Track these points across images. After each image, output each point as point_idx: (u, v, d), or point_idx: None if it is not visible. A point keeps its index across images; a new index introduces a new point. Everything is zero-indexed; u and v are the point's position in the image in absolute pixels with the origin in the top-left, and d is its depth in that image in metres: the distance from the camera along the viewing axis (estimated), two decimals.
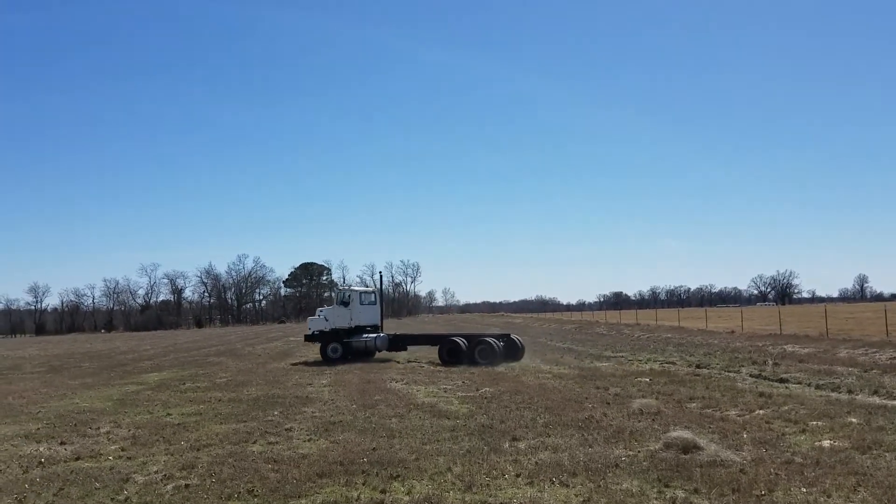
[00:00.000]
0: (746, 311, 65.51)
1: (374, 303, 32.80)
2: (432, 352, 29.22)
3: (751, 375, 20.26)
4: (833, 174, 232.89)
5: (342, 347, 30.09)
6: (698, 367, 23.01)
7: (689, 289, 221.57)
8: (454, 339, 27.83)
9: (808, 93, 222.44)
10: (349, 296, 31.30)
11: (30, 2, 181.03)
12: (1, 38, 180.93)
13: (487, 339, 27.38)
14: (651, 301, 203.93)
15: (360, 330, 30.85)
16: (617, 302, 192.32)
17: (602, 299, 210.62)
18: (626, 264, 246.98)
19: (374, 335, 30.84)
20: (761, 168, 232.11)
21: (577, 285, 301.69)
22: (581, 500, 8.14)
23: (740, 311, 63.33)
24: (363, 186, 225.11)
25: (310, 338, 31.38)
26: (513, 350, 27.47)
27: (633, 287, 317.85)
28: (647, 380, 19.48)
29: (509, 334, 29.29)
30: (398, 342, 31.18)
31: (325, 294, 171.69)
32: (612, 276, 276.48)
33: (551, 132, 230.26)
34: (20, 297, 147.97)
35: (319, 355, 30.56)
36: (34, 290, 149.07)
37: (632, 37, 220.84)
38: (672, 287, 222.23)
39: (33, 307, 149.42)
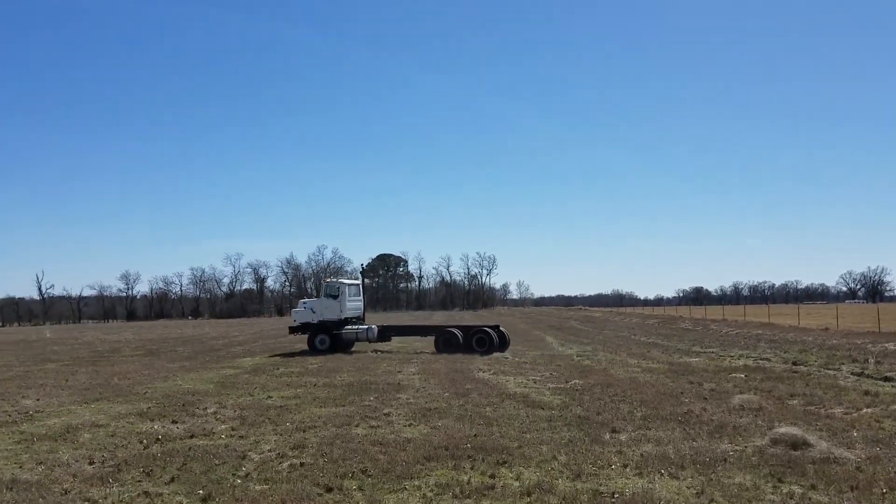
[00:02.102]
0: (838, 308, 63.01)
1: (359, 295, 33.59)
2: (419, 342, 32.53)
3: (852, 373, 19.56)
4: None
5: (330, 339, 30.71)
6: (794, 364, 22.34)
7: (774, 285, 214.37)
8: (450, 329, 29.95)
9: None
10: (339, 288, 31.74)
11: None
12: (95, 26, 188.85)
13: (485, 328, 29.67)
14: (733, 297, 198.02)
15: (347, 322, 31.55)
16: (697, 297, 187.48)
17: (681, 294, 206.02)
18: (707, 259, 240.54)
19: (365, 326, 31.65)
20: (848, 161, 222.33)
21: (655, 280, 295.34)
22: (694, 492, 8.09)
23: (835, 308, 61.02)
24: (440, 179, 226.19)
25: (295, 329, 31.88)
26: (502, 340, 29.57)
27: (714, 282, 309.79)
28: (742, 376, 19.06)
29: (498, 326, 30.88)
30: (385, 333, 32.03)
31: (402, 284, 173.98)
32: (691, 271, 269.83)
33: (631, 125, 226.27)
34: (112, 284, 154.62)
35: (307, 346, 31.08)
36: (126, 278, 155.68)
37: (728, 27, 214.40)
38: (755, 283, 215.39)
39: (125, 294, 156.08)
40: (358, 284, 34.69)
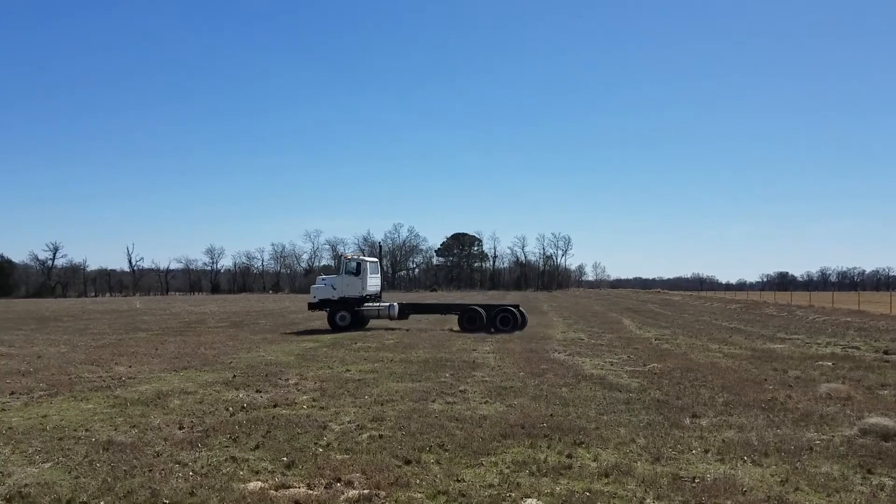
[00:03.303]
0: None
1: (377, 272, 33.65)
2: (438, 320, 33.60)
3: None
4: None
5: (350, 315, 30.87)
6: (886, 353, 21.38)
7: (864, 271, 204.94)
8: (474, 307, 30.67)
9: None
10: (360, 265, 31.68)
11: None
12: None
13: (509, 307, 30.54)
14: (820, 283, 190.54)
15: (367, 299, 31.65)
16: (782, 282, 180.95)
17: (765, 279, 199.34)
18: (793, 242, 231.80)
19: (387, 304, 31.98)
20: None
21: (737, 263, 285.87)
22: (778, 480, 7.89)
23: None
24: (516, 159, 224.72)
25: (314, 306, 31.89)
26: (523, 320, 30.45)
27: (800, 267, 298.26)
28: (830, 364, 18.37)
29: (518, 305, 31.63)
30: (405, 311, 32.20)
31: (476, 264, 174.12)
32: (776, 255, 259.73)
33: (714, 107, 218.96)
34: (198, 258, 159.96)
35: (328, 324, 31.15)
36: (210, 252, 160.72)
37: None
38: (844, 269, 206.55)
39: (209, 268, 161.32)
40: (377, 262, 34.91)
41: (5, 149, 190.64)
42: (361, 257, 34.14)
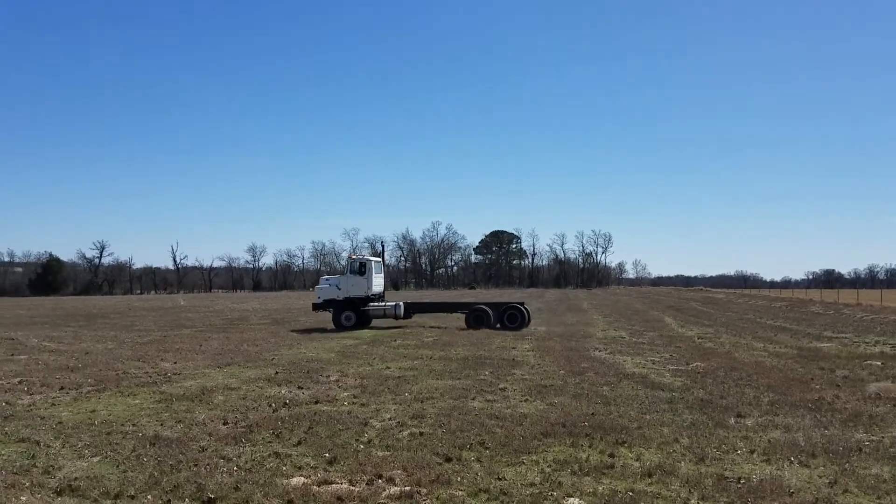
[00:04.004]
0: None
1: (381, 272, 33.66)
2: (443, 318, 33.66)
3: None
4: None
5: (356, 315, 30.85)
6: None
7: None
8: (481, 305, 31.22)
9: None
10: (365, 265, 31.58)
11: None
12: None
13: (516, 305, 31.30)
14: (868, 280, 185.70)
15: (372, 298, 31.59)
16: (828, 280, 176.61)
17: (811, 277, 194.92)
18: (839, 239, 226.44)
19: (393, 303, 32.02)
20: None
21: (782, 261, 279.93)
22: (826, 481, 7.71)
23: None
24: (555, 155, 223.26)
25: (318, 306, 31.84)
26: (529, 317, 31.05)
27: (847, 264, 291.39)
28: (879, 363, 17.92)
29: (524, 303, 32.25)
30: (409, 310, 32.26)
31: (515, 261, 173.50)
32: (822, 252, 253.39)
33: (755, 103, 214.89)
34: (240, 256, 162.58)
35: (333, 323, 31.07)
36: (252, 250, 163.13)
37: None
38: (893, 266, 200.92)
39: (251, 266, 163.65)
40: (380, 262, 34.99)
41: (54, 150, 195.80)
42: (366, 257, 34.21)
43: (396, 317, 31.62)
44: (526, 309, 31.02)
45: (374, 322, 31.91)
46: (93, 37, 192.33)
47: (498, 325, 29.80)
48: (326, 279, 33.34)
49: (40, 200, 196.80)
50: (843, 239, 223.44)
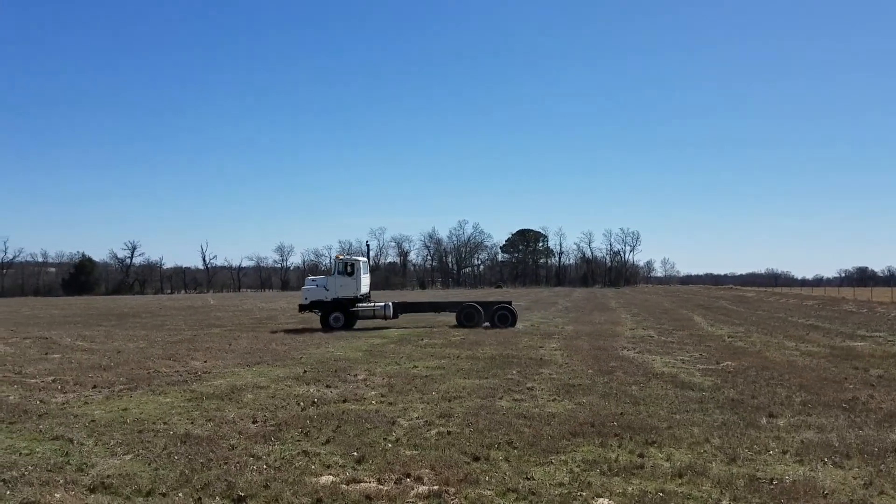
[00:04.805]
0: None
1: (368, 272, 33.36)
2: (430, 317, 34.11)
3: None
4: None
5: (345, 316, 30.58)
6: None
7: None
8: (472, 304, 31.79)
9: None
10: (354, 266, 31.14)
11: None
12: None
13: (505, 304, 31.82)
14: None
15: (360, 299, 31.24)
16: (861, 278, 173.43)
17: (843, 275, 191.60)
18: (872, 236, 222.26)
19: (382, 304, 31.81)
20: None
21: (813, 259, 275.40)
22: (861, 483, 7.58)
23: None
24: (581, 154, 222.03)
25: (305, 307, 31.32)
26: (515, 317, 31.29)
27: (881, 262, 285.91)
28: None
29: (510, 302, 32.75)
30: (397, 310, 32.03)
31: (542, 260, 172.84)
32: (854, 250, 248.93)
33: (794, 99, 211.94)
34: (269, 256, 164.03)
35: (320, 324, 30.76)
36: (280, 250, 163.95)
37: None
38: None
39: (279, 265, 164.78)
40: (367, 262, 34.60)
41: (87, 152, 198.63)
42: (354, 257, 33.60)
43: (385, 317, 31.45)
44: (513, 309, 31.37)
45: (360, 323, 31.70)
46: (123, 38, 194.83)
47: (487, 324, 30.21)
48: (313, 280, 32.82)
49: (73, 202, 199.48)
50: (875, 236, 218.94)
